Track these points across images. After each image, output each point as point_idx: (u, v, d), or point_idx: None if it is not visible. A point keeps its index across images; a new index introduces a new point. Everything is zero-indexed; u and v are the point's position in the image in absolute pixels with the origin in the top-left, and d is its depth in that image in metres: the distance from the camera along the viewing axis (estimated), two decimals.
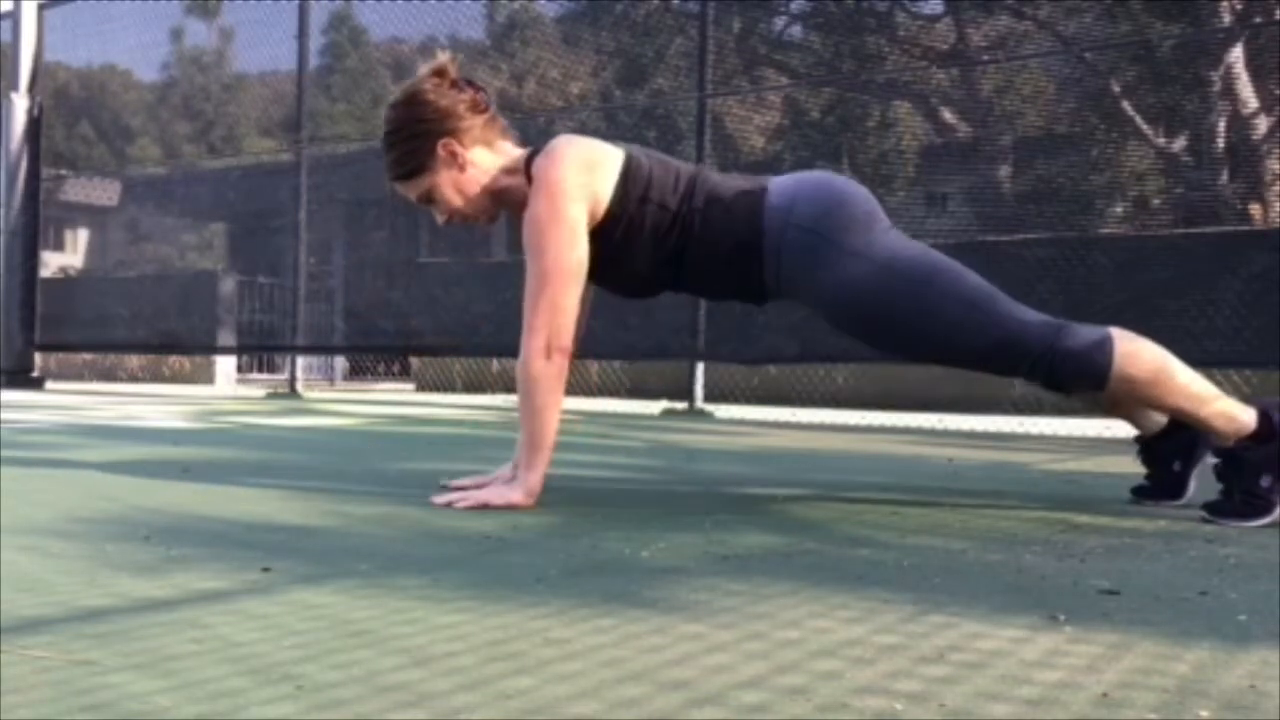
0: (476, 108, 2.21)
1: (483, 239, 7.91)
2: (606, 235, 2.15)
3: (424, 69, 2.23)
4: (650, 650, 1.06)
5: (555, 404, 2.13)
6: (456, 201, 2.22)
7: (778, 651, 1.06)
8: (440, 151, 2.18)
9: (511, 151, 2.25)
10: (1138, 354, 2.00)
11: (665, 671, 0.99)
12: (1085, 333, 2.02)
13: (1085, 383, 2.03)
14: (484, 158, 2.21)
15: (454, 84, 2.21)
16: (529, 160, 2.19)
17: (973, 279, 2.08)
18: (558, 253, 2.09)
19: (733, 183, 2.22)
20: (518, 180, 2.21)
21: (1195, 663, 1.04)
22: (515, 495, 2.11)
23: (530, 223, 2.11)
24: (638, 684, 0.95)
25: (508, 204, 2.26)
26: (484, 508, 2.08)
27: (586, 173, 2.12)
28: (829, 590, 1.36)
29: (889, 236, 2.12)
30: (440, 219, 2.28)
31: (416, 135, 2.19)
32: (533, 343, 2.10)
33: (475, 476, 2.36)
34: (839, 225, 2.10)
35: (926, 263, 2.09)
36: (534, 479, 2.13)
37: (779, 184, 2.18)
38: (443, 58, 2.23)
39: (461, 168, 2.19)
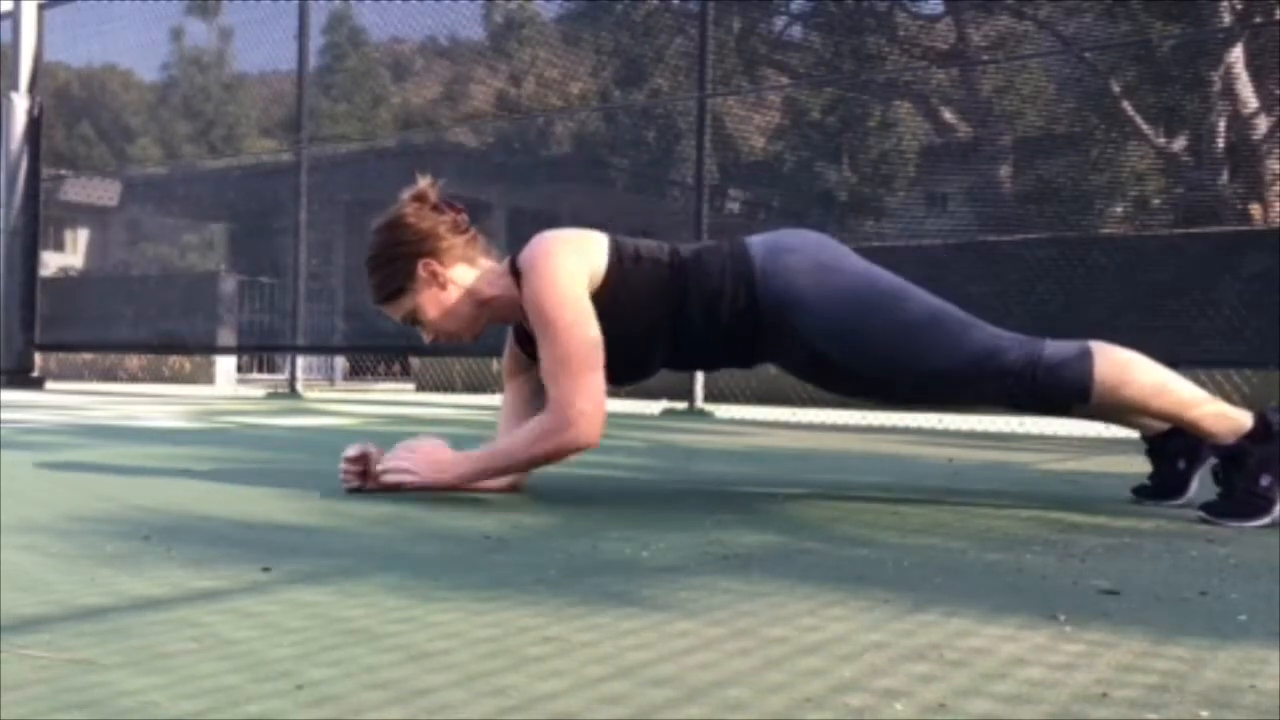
0: (457, 228, 2.23)
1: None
2: (608, 301, 2.14)
3: (405, 194, 2.25)
4: (642, 647, 1.06)
5: (551, 461, 2.16)
6: (441, 320, 2.23)
7: (769, 649, 1.06)
8: (421, 272, 2.19)
9: (495, 267, 2.26)
10: (1118, 362, 2.05)
11: (654, 668, 0.99)
12: (1064, 345, 2.07)
13: (1068, 393, 2.06)
14: (465, 274, 2.23)
15: (434, 207, 2.23)
16: (513, 262, 2.20)
17: (950, 305, 2.15)
18: (574, 329, 2.08)
19: (705, 243, 2.31)
20: (504, 287, 2.22)
21: (1194, 661, 1.03)
22: (428, 474, 2.16)
23: (536, 306, 2.10)
24: (626, 680, 0.95)
25: (496, 312, 2.27)
26: (398, 487, 2.17)
27: (578, 253, 2.14)
28: (828, 589, 1.36)
29: (865, 264, 2.21)
30: (427, 338, 2.28)
31: (397, 258, 2.21)
32: (576, 407, 2.09)
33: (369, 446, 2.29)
34: (822, 255, 2.20)
35: (902, 285, 2.18)
36: (467, 475, 2.16)
37: (751, 237, 2.28)
38: (422, 182, 2.25)
39: (443, 286, 2.21)
